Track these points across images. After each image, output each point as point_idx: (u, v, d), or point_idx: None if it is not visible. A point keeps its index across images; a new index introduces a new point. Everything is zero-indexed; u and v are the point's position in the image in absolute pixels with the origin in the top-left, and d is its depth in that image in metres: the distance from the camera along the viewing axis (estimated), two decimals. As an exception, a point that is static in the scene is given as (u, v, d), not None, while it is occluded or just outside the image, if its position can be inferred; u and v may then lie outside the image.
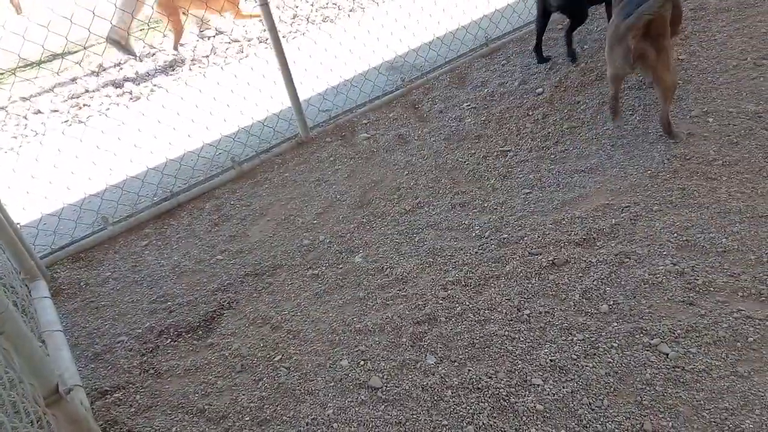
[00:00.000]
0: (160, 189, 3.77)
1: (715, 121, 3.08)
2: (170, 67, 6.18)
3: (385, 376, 2.13)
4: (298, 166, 3.76)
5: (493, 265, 2.55)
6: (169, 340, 2.58)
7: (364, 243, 2.92)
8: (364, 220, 3.11)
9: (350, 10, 6.79)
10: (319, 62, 4.68)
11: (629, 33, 2.85)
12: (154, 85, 5.78)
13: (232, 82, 4.85)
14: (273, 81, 4.37)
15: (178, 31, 6.34)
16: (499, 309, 2.31)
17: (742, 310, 1.99)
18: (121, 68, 6.36)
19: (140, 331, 2.66)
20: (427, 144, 3.67)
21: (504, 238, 2.69)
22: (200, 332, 2.59)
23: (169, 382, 2.35)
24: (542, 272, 2.43)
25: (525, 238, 2.65)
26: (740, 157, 2.75)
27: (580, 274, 2.35)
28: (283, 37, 6.27)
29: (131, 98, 5.58)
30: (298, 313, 2.55)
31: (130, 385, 2.36)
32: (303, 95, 4.03)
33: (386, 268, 2.70)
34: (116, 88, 5.85)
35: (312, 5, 7.20)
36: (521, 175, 3.15)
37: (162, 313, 2.75)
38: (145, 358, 2.50)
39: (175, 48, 6.41)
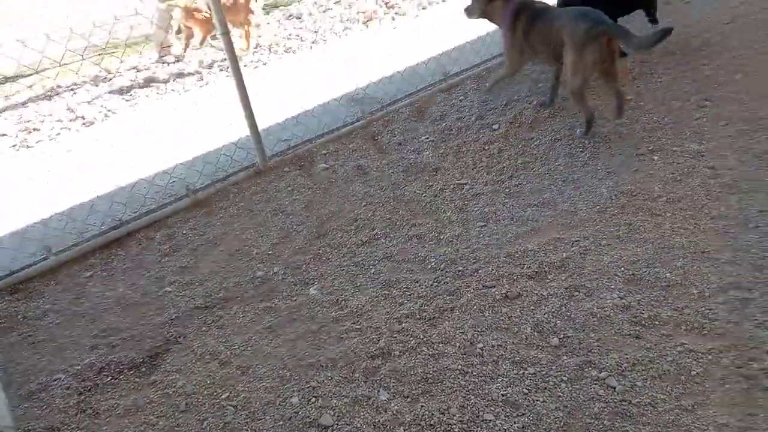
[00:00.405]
0: (109, 217, 3.65)
1: (660, 159, 3.21)
2: (126, 91, 6.07)
3: (336, 414, 2.08)
4: (255, 196, 3.71)
5: (448, 297, 2.55)
6: (110, 377, 2.46)
7: (320, 275, 2.89)
8: (321, 251, 3.08)
9: (312, 42, 6.86)
10: (279, 92, 4.68)
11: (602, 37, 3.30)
12: (108, 110, 5.66)
13: (189, 109, 4.80)
14: (232, 109, 4.33)
15: (206, 30, 6.65)
16: (453, 342, 2.30)
17: (685, 344, 2.04)
18: (75, 93, 6.22)
19: (79, 367, 2.53)
20: (386, 175, 3.69)
21: (459, 271, 2.70)
22: (143, 369, 2.48)
23: (107, 423, 2.23)
24: (496, 305, 2.44)
25: (479, 271, 2.67)
26: (683, 194, 2.87)
27: (532, 308, 2.38)
28: (245, 66, 6.27)
29: (84, 123, 5.44)
30: (249, 348, 2.48)
31: (65, 426, 2.23)
32: (262, 124, 4.01)
33: (341, 301, 2.67)
34: (69, 112, 5.70)
35: (275, 35, 7.24)
36: (477, 208, 3.19)
37: (103, 348, 2.63)
38: (83, 396, 2.38)
39: (202, 43, 6.78)
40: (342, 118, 4.47)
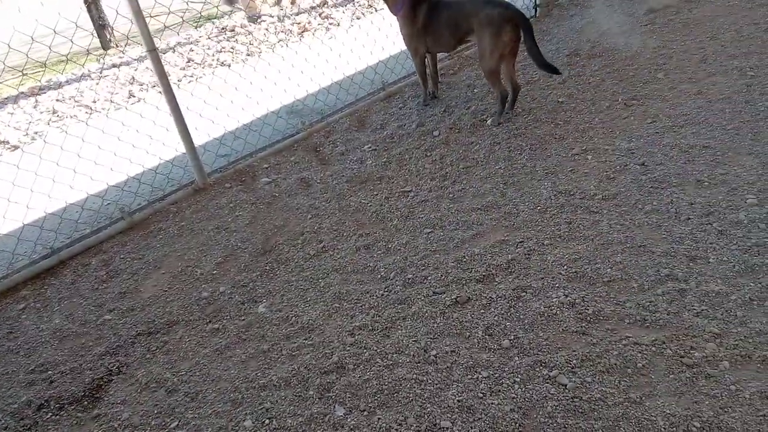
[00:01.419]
0: (39, 245, 3.45)
1: (593, 158, 3.33)
2: (53, 113, 5.78)
3: (292, 434, 2.02)
4: (196, 214, 3.60)
5: (399, 306, 2.54)
6: (50, 414, 2.31)
7: (268, 291, 2.82)
8: (268, 267, 3.01)
9: (247, 55, 6.76)
10: (215, 107, 4.56)
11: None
12: (35, 133, 5.36)
13: (118, 129, 4.60)
14: (165, 127, 4.19)
15: None
16: (406, 352, 2.29)
17: (629, 337, 2.11)
18: (-5, 114, 5.86)
19: (16, 406, 2.36)
20: (330, 187, 3.66)
21: (409, 279, 2.71)
22: (85, 403, 2.34)
23: (47, 465, 2.09)
24: (446, 311, 2.45)
25: (429, 278, 2.68)
26: (617, 191, 2.98)
27: (482, 311, 2.40)
28: (178, 81, 6.10)
29: (8, 148, 5.13)
30: (197, 373, 2.39)
31: (0, 474, 2.07)
32: (199, 140, 3.90)
33: (291, 317, 2.61)
34: (-10, 136, 5.37)
35: (208, 49, 7.09)
36: (423, 215, 3.20)
37: (41, 384, 2.47)
38: (20, 438, 2.22)
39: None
40: (282, 131, 4.41)
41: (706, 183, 2.87)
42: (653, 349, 2.04)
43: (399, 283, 2.68)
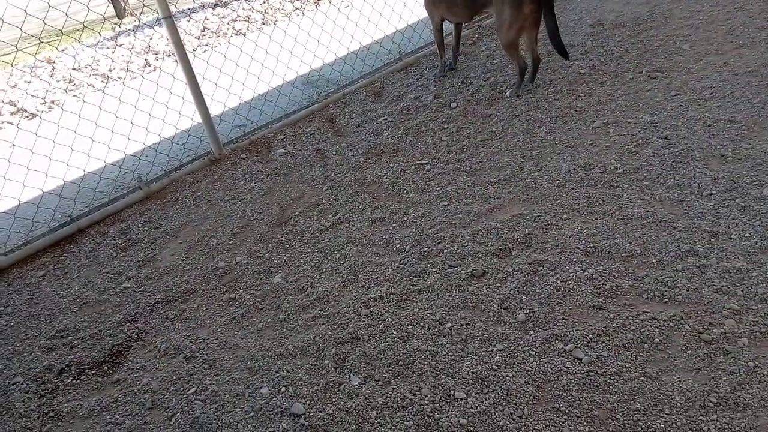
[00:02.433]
0: (58, 213, 3.49)
1: (615, 131, 3.27)
2: (69, 82, 5.79)
3: (307, 402, 2.06)
4: (212, 185, 3.61)
5: (415, 279, 2.54)
6: (71, 378, 2.37)
7: (284, 262, 2.84)
8: (283, 238, 3.02)
9: (262, 23, 6.68)
10: (230, 77, 4.54)
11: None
12: (52, 102, 5.39)
13: (134, 98, 4.60)
14: (181, 97, 4.18)
15: None
16: (421, 324, 2.30)
17: (647, 312, 2.10)
18: (15, 85, 5.89)
19: (38, 370, 2.42)
20: (346, 159, 3.64)
21: (424, 252, 2.70)
22: (105, 368, 2.39)
23: (71, 426, 2.15)
24: (462, 284, 2.45)
25: (445, 251, 2.67)
26: (638, 165, 2.93)
27: (497, 285, 2.39)
28: (193, 50, 6.06)
29: (26, 116, 5.16)
30: (214, 341, 2.42)
31: (28, 431, 2.13)
32: (214, 111, 3.90)
33: (307, 288, 2.63)
34: (10, 105, 5.40)
35: (222, 18, 7.02)
36: (439, 188, 3.18)
37: (62, 349, 2.52)
38: (44, 399, 2.28)
39: None
40: (298, 102, 4.38)
41: (730, 158, 2.80)
42: (671, 324, 2.03)
43: (414, 256, 2.68)
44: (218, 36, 6.53)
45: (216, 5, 7.40)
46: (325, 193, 3.32)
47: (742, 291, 2.08)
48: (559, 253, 2.49)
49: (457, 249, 2.66)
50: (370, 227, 2.96)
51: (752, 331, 1.94)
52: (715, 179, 2.68)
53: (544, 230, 2.66)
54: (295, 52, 5.01)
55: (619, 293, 2.21)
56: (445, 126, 3.77)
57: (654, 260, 2.32)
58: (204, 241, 3.11)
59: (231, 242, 3.07)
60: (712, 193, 2.60)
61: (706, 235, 2.38)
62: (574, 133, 3.36)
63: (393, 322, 2.33)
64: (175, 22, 3.48)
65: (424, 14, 5.67)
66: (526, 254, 2.54)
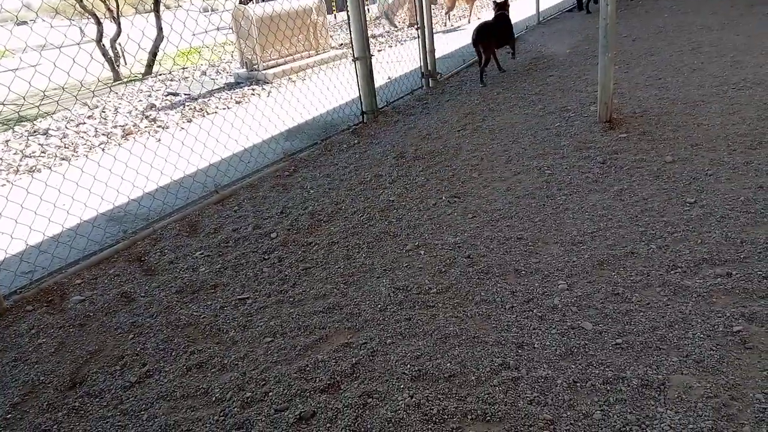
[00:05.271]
0: None
1: (425, 253, 3.49)
2: None
3: None
4: (-15, 347, 3.01)
5: None
6: None
7: (77, 434, 2.38)
8: (77, 403, 2.56)
9: (62, 159, 6.19)
10: (13, 220, 3.97)
11: None
12: None
13: None
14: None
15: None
16: (246, 485, 2.03)
17: (474, 433, 2.11)
18: None
19: None
20: (157, 300, 3.32)
21: (247, 398, 2.47)
22: None
23: None
24: (290, 430, 2.26)
25: (270, 393, 2.48)
26: (449, 284, 3.12)
27: (328, 425, 2.25)
28: (-28, 188, 5.32)
29: None
30: None
31: None
32: (-7, 258, 3.36)
33: (106, 463, 2.21)
34: None
35: (15, 153, 6.37)
36: (262, 323, 3.03)
37: None
38: None
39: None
40: (99, 241, 3.99)
41: (523, 272, 3.13)
42: (497, 443, 2.06)
43: (236, 404, 2.44)
44: (7, 173, 5.86)
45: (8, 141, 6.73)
46: (131, 342, 2.95)
47: (552, 400, 2.22)
48: (387, 380, 2.46)
49: (284, 389, 2.49)
50: (185, 377, 2.66)
51: (566, 437, 2.05)
52: (514, 293, 2.95)
53: (371, 358, 2.63)
54: (98, 188, 4.65)
55: (446, 416, 2.21)
56: (266, 257, 3.70)
57: (473, 377, 2.40)
58: (-32, 421, 2.50)
59: (9, 416, 2.52)
60: (513, 306, 2.84)
61: (514, 347, 2.55)
62: (390, 256, 3.51)
63: (213, 489, 2.03)
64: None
65: (239, 148, 5.76)
66: (355, 386, 2.46)
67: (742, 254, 2.96)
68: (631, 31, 9.08)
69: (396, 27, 14.90)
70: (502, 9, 7.41)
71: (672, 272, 2.91)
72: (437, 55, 7.67)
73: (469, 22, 13.67)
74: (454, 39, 11.85)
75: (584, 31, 9.83)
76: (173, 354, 2.84)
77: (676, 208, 3.53)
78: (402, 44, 12.42)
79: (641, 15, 10.65)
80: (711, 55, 6.95)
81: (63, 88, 4.58)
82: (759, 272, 2.79)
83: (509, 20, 7.41)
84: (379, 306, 3.02)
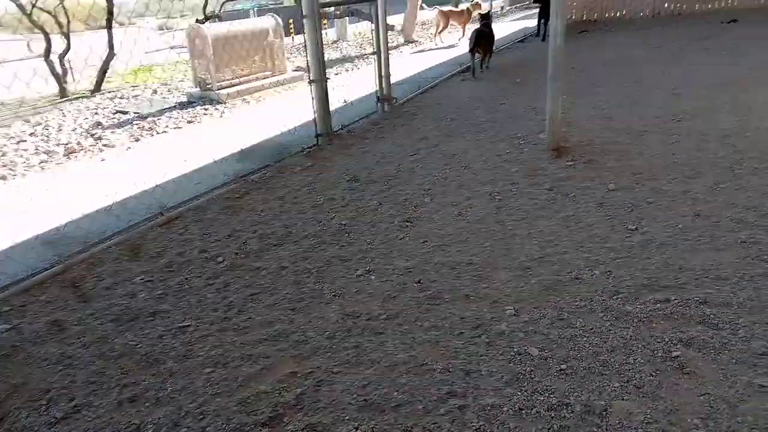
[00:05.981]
0: None
1: (377, 278, 3.44)
2: None
3: None
4: None
5: (171, 470, 2.16)
6: None
7: (-8, 477, 2.19)
8: (-5, 443, 2.36)
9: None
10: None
11: None
12: None
13: None
14: None
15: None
16: None
17: (419, 465, 2.05)
18: None
19: None
20: (90, 329, 3.14)
21: (183, 433, 2.34)
22: None
23: None
24: (228, 467, 2.14)
25: (207, 429, 2.35)
26: (399, 310, 3.08)
27: (268, 461, 2.15)
28: None
29: None
30: None
31: None
32: None
33: None
34: None
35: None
36: (203, 353, 2.89)
37: None
38: None
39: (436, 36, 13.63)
40: (31, 266, 3.77)
41: (472, 297, 3.12)
42: (442, 476, 2.00)
43: (171, 440, 2.30)
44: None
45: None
46: (59, 374, 2.77)
47: (498, 428, 2.19)
48: (332, 412, 2.38)
49: (222, 424, 2.37)
50: (116, 412, 2.50)
51: (512, 467, 2.02)
52: (463, 318, 2.93)
53: (316, 388, 2.54)
54: (32, 209, 4.42)
55: (391, 449, 2.15)
56: (212, 282, 3.57)
57: (420, 407, 2.35)
58: None
59: None
60: (462, 332, 2.82)
61: (462, 374, 2.51)
62: (340, 282, 3.45)
63: None
64: None
65: (187, 168, 5.61)
66: (299, 419, 2.36)
67: (680, 280, 3.05)
68: (579, 63, 9.45)
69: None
70: (486, 19, 9.42)
71: (614, 298, 2.96)
72: (396, 78, 7.76)
73: (458, 40, 14.79)
74: (429, 58, 12.03)
75: (534, 62, 10.17)
76: (104, 387, 2.67)
77: (618, 234, 3.62)
78: (359, 69, 12.53)
79: (589, 48, 11.13)
80: (652, 87, 7.28)
81: (2, 104, 4.37)
82: (696, 298, 2.87)
83: (492, 29, 9.38)
84: (327, 333, 2.94)
